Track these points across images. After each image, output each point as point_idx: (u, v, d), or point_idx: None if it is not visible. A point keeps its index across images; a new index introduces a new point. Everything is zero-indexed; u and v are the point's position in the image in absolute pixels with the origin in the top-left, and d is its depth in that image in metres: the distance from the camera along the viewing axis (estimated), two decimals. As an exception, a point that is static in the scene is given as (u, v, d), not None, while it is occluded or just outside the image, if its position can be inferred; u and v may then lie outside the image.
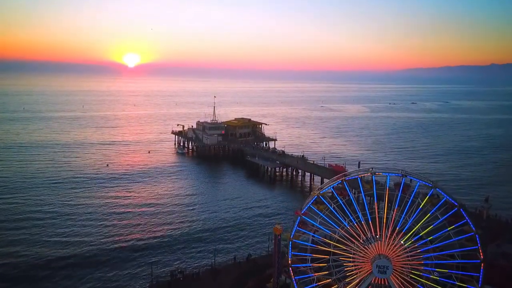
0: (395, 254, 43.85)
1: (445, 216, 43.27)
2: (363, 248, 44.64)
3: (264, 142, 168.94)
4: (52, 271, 64.62)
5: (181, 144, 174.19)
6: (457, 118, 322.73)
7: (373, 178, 45.83)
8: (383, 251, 44.02)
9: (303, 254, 47.13)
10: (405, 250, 43.87)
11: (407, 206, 44.08)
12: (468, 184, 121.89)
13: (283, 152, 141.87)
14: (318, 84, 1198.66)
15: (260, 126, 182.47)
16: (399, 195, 44.36)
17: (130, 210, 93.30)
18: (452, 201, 43.24)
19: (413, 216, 43.78)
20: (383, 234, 44.28)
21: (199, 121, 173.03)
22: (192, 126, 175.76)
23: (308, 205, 46.79)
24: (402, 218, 44.11)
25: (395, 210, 44.32)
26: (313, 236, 47.21)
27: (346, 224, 45.30)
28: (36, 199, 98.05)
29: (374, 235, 44.74)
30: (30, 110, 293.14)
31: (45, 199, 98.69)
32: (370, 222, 44.73)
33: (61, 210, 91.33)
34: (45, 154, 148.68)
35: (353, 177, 46.95)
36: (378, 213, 44.55)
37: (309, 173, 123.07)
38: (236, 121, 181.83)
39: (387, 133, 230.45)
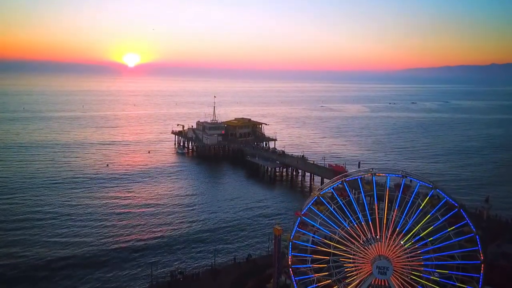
0: (395, 255, 43.76)
1: (446, 217, 43.20)
2: (363, 249, 44.55)
3: (264, 142, 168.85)
4: (52, 271, 64.57)
5: (181, 144, 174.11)
6: (457, 118, 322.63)
7: (373, 178, 45.75)
8: (383, 252, 43.94)
9: (303, 255, 47.05)
10: (405, 251, 43.79)
11: (407, 207, 44.03)
12: (468, 184, 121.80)
13: (283, 152, 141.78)
14: (318, 84, 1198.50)
15: (260, 126, 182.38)
16: (399, 196, 44.29)
17: (130, 210, 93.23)
18: (452, 202, 43.18)
19: (413, 217, 43.73)
20: (383, 235, 44.21)
21: (199, 121, 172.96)
22: (192, 126, 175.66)
23: (308, 206, 46.71)
24: (402, 219, 44.06)
25: (395, 211, 44.25)
26: (313, 237, 47.13)
27: (346, 225, 45.23)
28: (36, 199, 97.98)
29: (374, 236, 44.67)
30: (30, 110, 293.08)
31: (45, 199, 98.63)
32: (370, 223, 44.65)
33: (61, 210, 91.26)
34: (45, 154, 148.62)
35: (353, 177, 46.87)
36: (378, 214, 44.47)
37: (309, 173, 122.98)
38: (236, 121, 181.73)
39: (387, 133, 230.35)
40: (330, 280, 46.07)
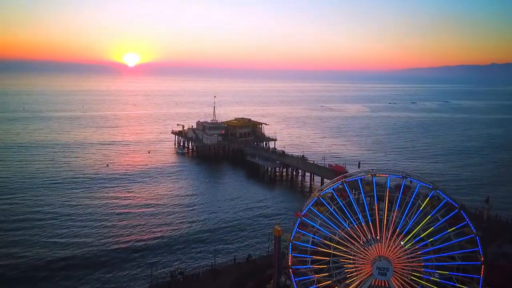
0: (396, 256, 43.75)
1: (446, 218, 43.21)
2: (364, 250, 44.54)
3: (264, 142, 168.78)
4: (52, 271, 64.56)
5: (181, 144, 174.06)
6: (457, 117, 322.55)
7: (374, 179, 45.71)
8: (384, 252, 43.92)
9: (303, 255, 47.02)
10: (406, 252, 43.79)
11: (408, 208, 44.04)
12: (468, 184, 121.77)
13: (283, 152, 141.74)
14: (318, 84, 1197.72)
15: (260, 126, 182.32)
16: (400, 196, 44.28)
17: (129, 210, 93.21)
18: (453, 203, 43.19)
19: (414, 218, 43.73)
20: (384, 235, 44.19)
21: (199, 121, 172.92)
22: (192, 126, 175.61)
23: (308, 207, 46.68)
24: (402, 220, 44.07)
25: (396, 211, 44.25)
26: (313, 237, 47.08)
27: (346, 226, 45.21)
28: (36, 199, 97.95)
29: (374, 236, 44.65)
30: (30, 110, 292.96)
31: (45, 199, 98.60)
32: (370, 223, 44.64)
33: (61, 210, 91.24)
34: (45, 154, 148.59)
35: (354, 178, 46.84)
36: (378, 214, 44.46)
37: (309, 173, 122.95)
38: (236, 121, 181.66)
39: (387, 133, 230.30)
40: (330, 281, 46.04)
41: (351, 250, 44.86)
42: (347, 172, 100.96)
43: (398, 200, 44.20)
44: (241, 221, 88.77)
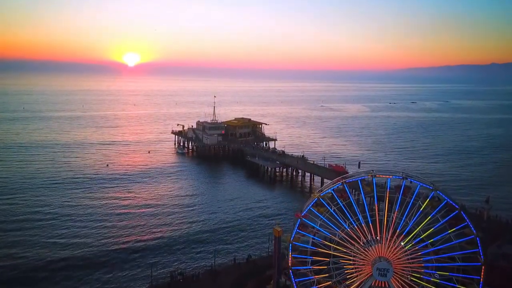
0: (396, 256, 43.70)
1: (446, 219, 43.15)
2: (364, 251, 44.49)
3: (264, 142, 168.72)
4: (52, 272, 64.49)
5: (181, 144, 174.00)
6: (457, 117, 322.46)
7: (374, 180, 45.66)
8: (384, 253, 43.87)
9: (303, 256, 46.98)
10: (406, 253, 43.73)
11: (408, 209, 43.97)
12: (469, 184, 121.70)
13: (283, 152, 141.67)
14: (318, 84, 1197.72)
15: (260, 126, 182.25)
16: (400, 197, 44.22)
17: (129, 210, 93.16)
18: (453, 204, 43.12)
19: (414, 219, 43.67)
20: (384, 236, 44.14)
21: (199, 121, 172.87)
22: (192, 126, 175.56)
23: (309, 208, 46.62)
24: (402, 221, 44.00)
25: (396, 212, 44.19)
26: (313, 238, 47.03)
27: (346, 227, 45.16)
28: (36, 200, 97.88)
29: (374, 237, 44.60)
30: (30, 110, 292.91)
31: (44, 199, 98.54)
32: (370, 224, 44.57)
33: (61, 210, 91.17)
34: (45, 154, 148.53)
35: (354, 179, 46.79)
36: (378, 215, 44.41)
37: (309, 173, 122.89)
38: (236, 121, 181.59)
39: (387, 133, 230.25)
40: (330, 282, 46.00)
41: (351, 251, 44.81)
42: (347, 172, 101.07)
43: (398, 200, 44.14)
44: (241, 221, 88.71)
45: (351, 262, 44.98)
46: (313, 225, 46.58)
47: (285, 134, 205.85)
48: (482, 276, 42.80)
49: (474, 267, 43.18)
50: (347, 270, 45.30)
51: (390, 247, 43.85)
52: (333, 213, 45.81)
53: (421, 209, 43.73)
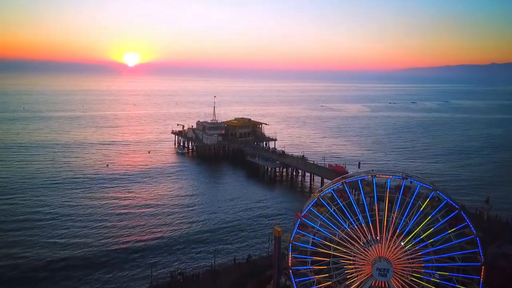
0: (396, 256, 43.70)
1: (446, 219, 43.15)
2: (364, 251, 44.49)
3: (264, 142, 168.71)
4: (52, 272, 64.48)
5: (181, 144, 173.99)
6: (457, 117, 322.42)
7: (374, 180, 45.66)
8: (384, 253, 43.87)
9: (303, 256, 46.98)
10: (406, 253, 43.73)
11: (408, 209, 43.97)
12: (469, 184, 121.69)
13: (283, 152, 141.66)
14: (318, 84, 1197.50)
15: (260, 126, 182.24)
16: (400, 197, 44.22)
17: (129, 210, 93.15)
18: (453, 204, 43.12)
19: (414, 219, 43.67)
20: (384, 236, 44.14)
21: (199, 121, 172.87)
22: (192, 126, 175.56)
23: (308, 208, 46.62)
24: (402, 221, 44.00)
25: (396, 212, 44.19)
26: (313, 238, 47.03)
27: (346, 227, 45.16)
28: (36, 200, 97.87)
29: (374, 237, 44.60)
30: (30, 110, 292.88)
31: (44, 199, 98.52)
32: (370, 224, 44.57)
33: (61, 210, 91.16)
34: (45, 154, 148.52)
35: (354, 179, 46.78)
36: (378, 215, 44.41)
37: (309, 173, 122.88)
38: (236, 121, 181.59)
39: (387, 133, 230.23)
40: (330, 282, 46.00)
41: (351, 251, 44.81)
42: (347, 172, 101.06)
43: (398, 201, 44.14)
44: (241, 221, 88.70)
45: (351, 262, 44.97)
46: (313, 225, 46.58)
47: (285, 134, 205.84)
48: (482, 276, 42.82)
49: (474, 267, 43.18)
50: (347, 270, 45.30)
51: (390, 247, 43.85)
52: (333, 213, 45.81)
53: (421, 209, 43.74)
